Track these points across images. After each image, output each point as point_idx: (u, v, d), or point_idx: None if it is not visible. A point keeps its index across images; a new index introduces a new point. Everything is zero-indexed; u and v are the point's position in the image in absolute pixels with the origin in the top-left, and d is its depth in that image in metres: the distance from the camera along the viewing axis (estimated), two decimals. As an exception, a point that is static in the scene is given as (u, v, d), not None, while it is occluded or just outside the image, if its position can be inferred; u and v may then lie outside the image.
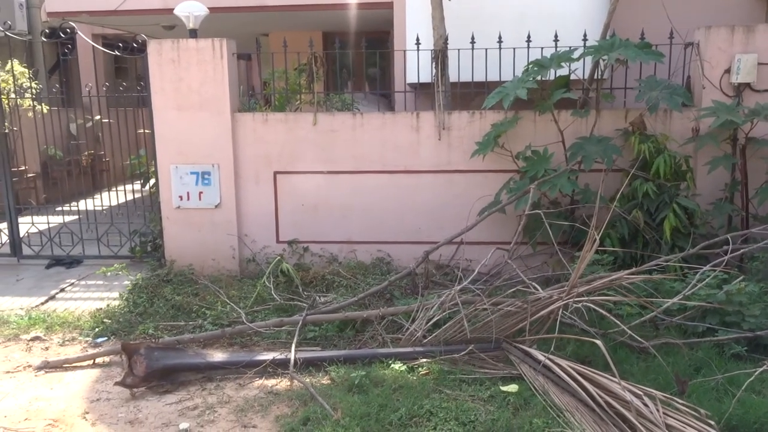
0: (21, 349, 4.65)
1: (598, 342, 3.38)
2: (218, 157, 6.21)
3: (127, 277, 6.05)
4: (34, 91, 8.79)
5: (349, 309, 4.72)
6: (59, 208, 7.05)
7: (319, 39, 11.16)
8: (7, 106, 7.20)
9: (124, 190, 7.45)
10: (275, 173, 6.28)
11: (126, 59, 14.17)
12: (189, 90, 6.12)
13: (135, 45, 6.58)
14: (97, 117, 10.56)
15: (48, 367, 4.26)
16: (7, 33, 6.73)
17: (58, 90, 8.14)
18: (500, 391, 3.60)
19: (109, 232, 6.76)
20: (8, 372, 4.25)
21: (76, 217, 7.19)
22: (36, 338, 4.80)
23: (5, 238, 6.91)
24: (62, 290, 6.07)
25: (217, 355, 4.16)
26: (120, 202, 7.54)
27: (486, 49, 5.97)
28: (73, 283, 6.25)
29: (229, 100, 6.12)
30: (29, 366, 4.31)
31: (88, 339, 4.78)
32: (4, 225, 6.93)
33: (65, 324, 5.07)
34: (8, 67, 8.87)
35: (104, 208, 7.00)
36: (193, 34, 6.26)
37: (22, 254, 6.87)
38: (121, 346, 3.97)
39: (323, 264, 6.18)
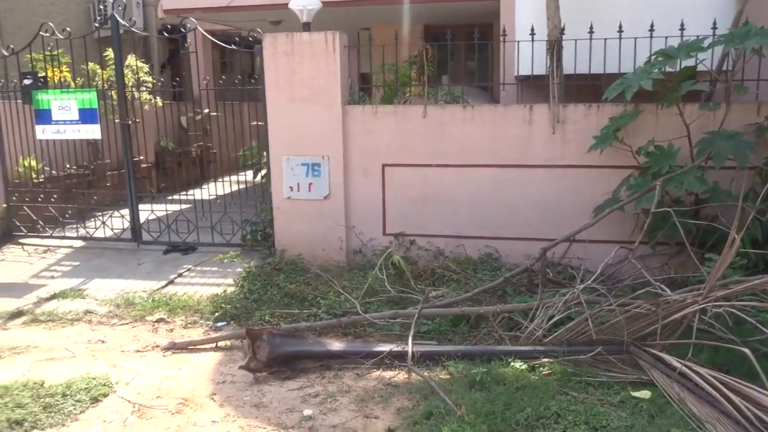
0: (148, 329, 4.89)
1: (746, 350, 3.14)
2: (328, 149, 6.28)
3: (241, 264, 6.25)
4: (150, 85, 9.25)
5: (463, 304, 4.65)
6: (172, 197, 7.40)
7: (420, 32, 11.12)
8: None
9: (230, 181, 7.70)
10: (383, 165, 6.29)
11: (230, 55, 14.73)
12: (301, 83, 6.22)
13: (250, 39, 6.76)
14: (206, 110, 11.04)
15: (174, 348, 4.45)
16: (133, 29, 7.09)
17: (173, 84, 8.51)
18: (631, 397, 3.42)
19: (222, 221, 6.99)
20: (138, 351, 4.47)
21: (189, 205, 7.51)
22: (161, 320, 5.02)
23: (126, 224, 7.29)
24: (180, 275, 6.34)
25: (335, 344, 4.20)
26: (230, 191, 7.80)
27: (605, 39, 5.71)
28: (189, 269, 6.51)
29: (340, 92, 6.17)
30: (157, 346, 4.52)
31: (208, 323, 4.96)
32: (125, 212, 7.32)
33: (186, 307, 5.28)
34: (128, 62, 9.39)
35: (217, 197, 7.26)
36: (307, 27, 6.36)
37: (141, 240, 7.23)
38: (245, 332, 4.08)
39: (429, 258, 6.13)
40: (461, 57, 11.36)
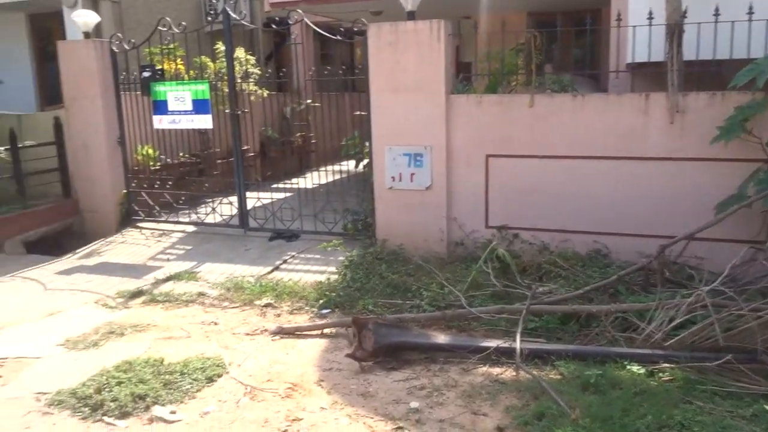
0: (256, 314, 5.04)
1: None
2: (431, 139, 6.22)
3: (343, 253, 6.33)
4: (256, 76, 9.54)
5: (572, 302, 4.47)
6: (277, 186, 7.61)
7: (523, 21, 10.82)
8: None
9: (330, 170, 7.80)
10: (487, 156, 6.16)
11: (330, 47, 14.93)
12: (405, 72, 6.18)
13: (355, 29, 6.79)
14: (308, 101, 11.27)
15: (282, 333, 4.56)
16: (243, 22, 7.31)
17: (278, 75, 8.72)
18: (765, 411, 3.16)
19: (324, 210, 7.10)
20: (248, 334, 4.61)
21: (292, 194, 7.67)
22: (268, 305, 5.17)
23: (235, 211, 7.56)
24: (285, 261, 6.50)
25: (440, 337, 4.16)
26: (331, 180, 7.91)
27: (733, 22, 5.29)
28: (293, 256, 6.66)
29: (444, 82, 6.08)
30: (265, 330, 4.65)
31: (313, 309, 5.06)
32: (233, 199, 7.59)
33: (292, 293, 5.40)
34: (237, 54, 9.72)
35: (320, 186, 7.37)
36: (411, 16, 6.30)
37: (248, 226, 7.48)
38: (351, 321, 4.12)
39: (533, 252, 5.95)
40: (566, 45, 10.96)
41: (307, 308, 5.10)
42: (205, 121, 7.36)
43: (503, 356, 3.96)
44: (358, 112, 7.04)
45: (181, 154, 8.83)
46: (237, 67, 9.62)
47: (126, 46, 7.58)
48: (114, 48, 7.65)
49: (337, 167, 8.07)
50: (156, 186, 7.94)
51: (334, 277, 5.84)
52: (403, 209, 6.42)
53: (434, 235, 6.32)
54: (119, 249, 7.22)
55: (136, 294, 5.58)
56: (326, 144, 9.99)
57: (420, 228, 6.37)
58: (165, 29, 7.30)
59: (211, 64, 9.37)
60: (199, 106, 7.31)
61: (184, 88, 7.36)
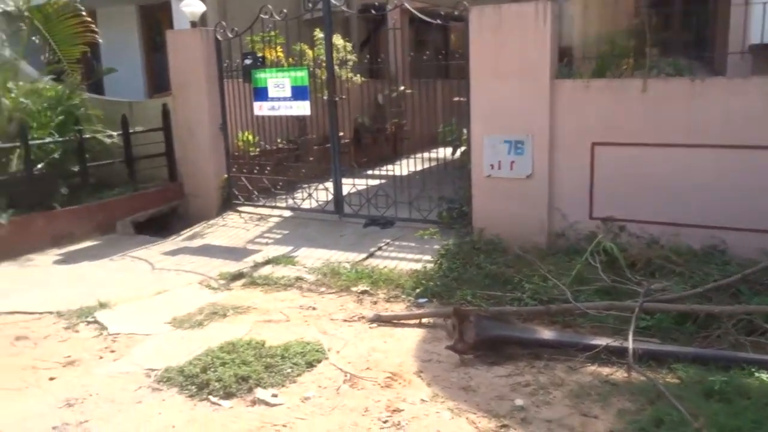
0: (353, 300, 5.03)
1: None
2: (533, 126, 5.98)
3: (438, 241, 6.23)
4: (353, 63, 9.56)
5: (689, 300, 4.16)
6: (369, 172, 7.59)
7: (630, 1, 10.23)
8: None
9: (422, 158, 7.68)
10: (593, 144, 5.84)
11: (424, 33, 14.77)
12: (507, 56, 5.96)
13: (456, 13, 6.62)
14: (402, 87, 11.18)
15: (380, 321, 4.52)
16: (343, 8, 7.31)
17: (377, 61, 8.70)
18: None
19: (419, 197, 7.01)
20: (346, 320, 4.61)
21: (384, 180, 7.62)
22: (365, 292, 5.15)
23: (330, 197, 7.61)
24: (380, 248, 6.47)
25: (545, 333, 3.98)
26: (424, 168, 7.78)
27: None
28: (388, 243, 6.63)
29: (549, 66, 5.81)
30: (362, 317, 4.63)
31: (410, 298, 4.99)
32: (329, 184, 7.63)
33: (388, 281, 5.36)
34: (334, 41, 9.77)
35: (415, 173, 7.28)
36: (516, -3, 6.06)
37: (343, 212, 7.52)
38: (452, 311, 4.01)
39: (641, 246, 5.59)
40: (676, 26, 10.30)
41: (403, 296, 5.03)
42: (303, 108, 7.43)
43: (613, 356, 3.74)
44: (457, 98, 6.88)
45: (278, 140, 9.00)
46: (334, 54, 9.71)
47: (229, 35, 7.76)
48: (218, 36, 7.86)
49: (429, 154, 7.92)
50: (255, 171, 8.11)
51: (429, 265, 5.75)
52: (502, 198, 6.23)
53: (533, 225, 6.09)
54: (220, 232, 7.45)
55: (237, 276, 5.71)
56: (420, 131, 9.93)
57: (518, 218, 6.15)
58: (267, 17, 7.42)
59: (309, 51, 9.48)
60: (298, 93, 7.39)
61: (283, 74, 7.45)
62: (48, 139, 7.03)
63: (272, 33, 8.28)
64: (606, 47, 6.50)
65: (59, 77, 7.62)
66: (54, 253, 6.70)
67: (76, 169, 7.21)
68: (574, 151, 5.91)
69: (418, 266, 5.79)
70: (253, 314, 4.77)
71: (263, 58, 7.80)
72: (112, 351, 4.24)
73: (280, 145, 9.07)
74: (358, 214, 7.41)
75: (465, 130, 6.62)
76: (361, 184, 7.55)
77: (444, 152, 7.40)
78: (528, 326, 4.11)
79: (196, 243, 7.06)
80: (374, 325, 4.49)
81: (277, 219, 7.81)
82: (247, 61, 7.67)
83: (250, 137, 8.42)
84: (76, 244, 7.04)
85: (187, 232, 7.54)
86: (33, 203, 6.82)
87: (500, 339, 3.89)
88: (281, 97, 7.51)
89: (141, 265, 6.23)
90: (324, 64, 7.66)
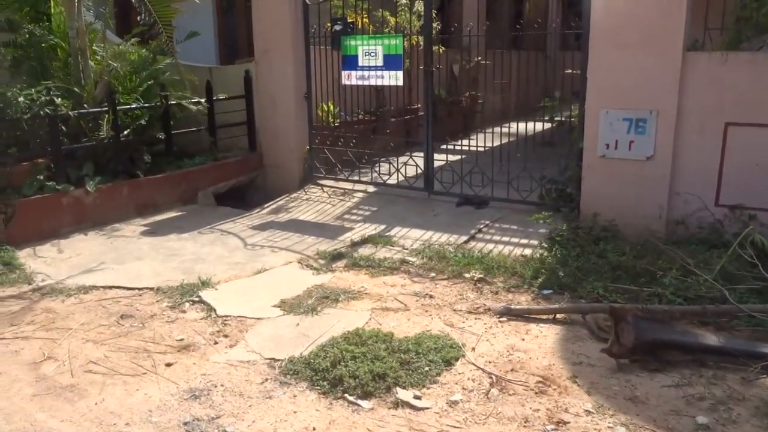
0: (470, 288, 4.66)
1: None
2: (658, 102, 5.45)
3: (545, 225, 5.79)
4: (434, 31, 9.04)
5: None
6: (445, 147, 7.12)
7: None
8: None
9: (500, 132, 7.20)
10: (726, 124, 5.30)
11: (494, 2, 14.11)
12: (634, 25, 5.42)
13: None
14: (478, 58, 10.63)
15: (510, 314, 4.14)
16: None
17: (449, 31, 8.19)
18: None
19: (518, 176, 6.56)
20: (470, 312, 4.24)
21: (463, 156, 7.14)
22: (481, 279, 4.77)
23: (418, 172, 7.21)
24: (479, 231, 6.08)
25: (710, 338, 3.54)
26: (504, 143, 7.21)
27: None
28: (487, 225, 6.22)
29: (682, 36, 5.26)
30: (488, 309, 4.25)
31: (533, 289, 4.59)
32: (404, 158, 7.20)
33: (501, 268, 4.97)
34: (416, 8, 9.28)
35: (517, 150, 6.79)
36: (646, -40, 5.48)
37: (432, 190, 7.12)
38: (609, 311, 3.61)
39: (778, 238, 5.07)
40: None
41: (525, 287, 4.63)
42: (395, 78, 7.01)
43: (793, 368, 3.29)
44: (569, 71, 6.36)
45: (358, 111, 8.63)
46: (415, 22, 9.23)
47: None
48: (307, 0, 7.45)
49: (509, 128, 7.34)
50: (340, 143, 7.75)
51: (540, 251, 5.34)
52: (616, 181, 5.74)
53: (652, 211, 5.60)
54: (305, 206, 7.14)
55: (337, 257, 5.39)
56: (494, 104, 9.43)
57: (635, 202, 5.67)
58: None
59: (391, 18, 9.02)
60: (391, 62, 6.97)
61: (376, 42, 7.03)
62: (134, 105, 6.77)
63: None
64: (735, 16, 5.86)
65: (144, 40, 7.34)
66: (139, 223, 6.49)
67: (160, 136, 6.95)
68: (704, 132, 5.37)
69: (528, 252, 5.40)
70: (366, 300, 4.44)
71: (353, 24, 7.37)
72: (226, 336, 3.97)
73: (360, 117, 8.71)
74: (449, 192, 7.01)
75: (573, 106, 6.13)
76: (440, 159, 7.07)
77: (525, 127, 6.84)
78: (690, 330, 3.67)
79: (283, 217, 6.77)
80: (504, 318, 4.11)
81: (361, 194, 7.46)
82: (337, 27, 7.26)
83: (332, 107, 8.06)
84: (160, 214, 6.83)
85: (271, 205, 7.25)
86: (118, 171, 6.60)
87: (661, 343, 3.47)
88: (372, 66, 7.09)
89: (232, 240, 5.97)
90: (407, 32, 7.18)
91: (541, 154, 6.64)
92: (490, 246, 5.65)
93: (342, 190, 7.60)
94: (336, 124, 8.15)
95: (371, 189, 7.58)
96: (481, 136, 6.90)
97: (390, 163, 7.41)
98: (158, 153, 7.18)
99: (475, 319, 4.13)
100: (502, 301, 4.41)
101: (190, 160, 7.47)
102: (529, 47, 14.63)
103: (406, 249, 5.60)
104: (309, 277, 4.98)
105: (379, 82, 7.14)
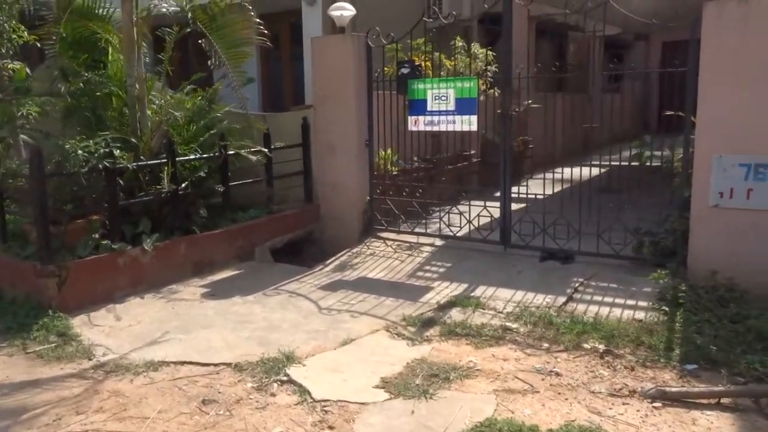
0: (598, 362, 4.02)
1: None
2: (781, 146, 4.90)
3: (646, 283, 5.21)
4: (493, 72, 8.62)
5: None
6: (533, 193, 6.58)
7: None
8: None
9: (551, 179, 6.64)
10: None
11: (542, 42, 13.79)
12: (756, 59, 4.91)
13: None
14: (528, 101, 10.15)
15: (664, 398, 3.49)
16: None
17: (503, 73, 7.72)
18: None
19: (612, 228, 5.96)
20: (613, 395, 3.59)
21: (525, 205, 6.57)
22: (607, 351, 4.13)
23: (487, 222, 6.64)
24: (575, 290, 5.46)
25: None
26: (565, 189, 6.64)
27: None
28: (582, 283, 5.61)
29: (808, 73, 4.73)
30: (633, 391, 3.61)
31: (673, 363, 3.94)
32: (493, 207, 6.65)
33: (622, 336, 4.34)
34: (473, 49, 8.90)
35: (610, 201, 6.20)
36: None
37: (509, 243, 6.54)
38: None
39: None
40: None
41: (661, 360, 3.99)
42: (469, 123, 6.52)
43: None
44: (669, 113, 5.83)
45: (415, 158, 8.14)
46: (475, 64, 8.84)
47: (383, 41, 6.93)
48: (370, 43, 7.05)
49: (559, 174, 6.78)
50: (404, 194, 7.23)
51: (656, 315, 4.71)
52: (732, 233, 5.15)
53: (774, 267, 4.98)
54: (371, 262, 6.57)
55: (427, 323, 4.79)
56: (544, 148, 8.94)
57: (754, 258, 5.05)
58: (432, 20, 6.57)
59: (447, 61, 8.63)
60: (464, 106, 6.49)
61: (447, 85, 6.56)
62: (192, 156, 6.31)
63: (421, 41, 7.45)
64: None
65: (200, 87, 6.93)
66: (197, 284, 5.94)
67: (219, 188, 6.46)
68: (836, 178, 4.78)
69: (640, 315, 4.78)
70: (482, 379, 3.82)
71: (421, 66, 6.94)
72: (330, 427, 3.36)
73: (418, 164, 8.21)
74: (529, 245, 6.41)
75: (678, 150, 5.60)
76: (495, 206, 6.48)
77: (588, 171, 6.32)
78: None
79: (351, 276, 6.19)
80: (657, 403, 3.46)
81: (429, 248, 6.89)
82: (404, 70, 6.82)
83: (391, 155, 7.57)
84: (217, 273, 6.28)
85: (334, 262, 6.69)
86: (174, 227, 6.10)
87: None
88: (443, 110, 6.62)
89: (303, 303, 5.39)
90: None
91: (636, 203, 6.07)
92: (593, 308, 5.03)
93: (407, 244, 7.03)
94: (395, 173, 7.65)
95: (438, 242, 7.01)
96: (538, 182, 6.37)
97: (461, 213, 6.85)
98: (213, 206, 6.68)
99: (623, 404, 3.48)
100: (641, 378, 3.77)
101: (244, 213, 6.96)
102: (572, 89, 14.28)
103: (501, 313, 4.99)
104: (404, 348, 4.37)
105: (451, 128, 6.65)
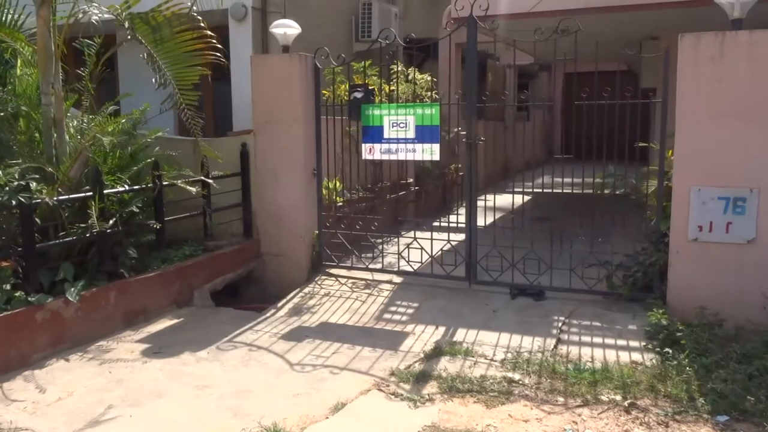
0: (626, 420, 3.67)
1: None
2: (760, 179, 4.89)
3: (630, 321, 5.03)
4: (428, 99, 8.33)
5: None
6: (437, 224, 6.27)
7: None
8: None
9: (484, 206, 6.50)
10: (839, 204, 4.78)
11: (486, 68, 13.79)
12: (730, 94, 4.90)
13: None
14: (457, 129, 9.98)
15: (722, 460, 3.18)
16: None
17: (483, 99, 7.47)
18: None
19: (584, 263, 5.76)
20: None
21: (455, 241, 6.31)
22: (632, 405, 3.79)
23: (449, 257, 6.25)
24: (561, 331, 5.15)
25: None
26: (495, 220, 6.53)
27: None
28: (564, 322, 5.32)
29: (785, 107, 4.76)
30: (682, 454, 3.27)
31: (702, 415, 3.66)
32: (457, 242, 6.28)
33: (636, 384, 4.04)
34: (418, 76, 8.57)
35: (581, 231, 6.01)
36: (738, 25, 4.99)
37: (475, 279, 6.16)
38: None
39: None
40: None
41: (691, 413, 3.70)
42: (431, 151, 6.11)
43: None
44: (640, 144, 5.73)
45: (358, 186, 7.65)
46: (414, 89, 8.51)
47: (333, 62, 6.40)
48: (318, 64, 6.48)
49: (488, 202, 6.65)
50: (358, 227, 6.68)
51: (653, 357, 4.50)
52: (710, 268, 5.09)
53: (753, 301, 4.96)
54: (328, 304, 5.94)
55: (421, 378, 4.26)
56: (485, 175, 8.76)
57: (733, 291, 5.00)
58: (385, 42, 6.12)
59: (386, 86, 8.22)
60: (426, 134, 6.08)
61: (407, 111, 6.13)
62: (121, 188, 5.40)
63: (366, 63, 6.99)
64: None
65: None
66: (133, 339, 5.04)
67: (152, 224, 5.58)
68: (816, 211, 4.83)
69: (637, 357, 4.55)
70: (515, 449, 3.34)
71: (374, 91, 6.47)
72: None
73: (359, 194, 7.70)
74: (497, 281, 6.07)
75: (650, 182, 5.49)
76: (441, 239, 6.16)
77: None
78: None
79: (310, 321, 5.53)
80: (715, 466, 3.14)
81: (388, 286, 6.38)
82: (357, 95, 6.32)
83: (338, 185, 7.02)
84: (154, 322, 5.40)
85: (286, 305, 5.99)
86: (100, 271, 5.17)
87: None
88: (401, 138, 6.17)
89: (268, 358, 4.67)
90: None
91: (608, 236, 5.92)
92: (586, 350, 4.74)
93: (363, 282, 6.47)
94: (340, 204, 7.09)
95: (397, 279, 6.51)
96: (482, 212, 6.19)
97: (422, 248, 6.39)
98: (142, 245, 5.79)
99: (683, 472, 3.13)
100: (682, 436, 3.45)
101: (177, 252, 6.10)
102: (491, 117, 14.39)
103: (495, 361, 4.56)
104: (407, 412, 3.81)
105: (411, 157, 6.21)
